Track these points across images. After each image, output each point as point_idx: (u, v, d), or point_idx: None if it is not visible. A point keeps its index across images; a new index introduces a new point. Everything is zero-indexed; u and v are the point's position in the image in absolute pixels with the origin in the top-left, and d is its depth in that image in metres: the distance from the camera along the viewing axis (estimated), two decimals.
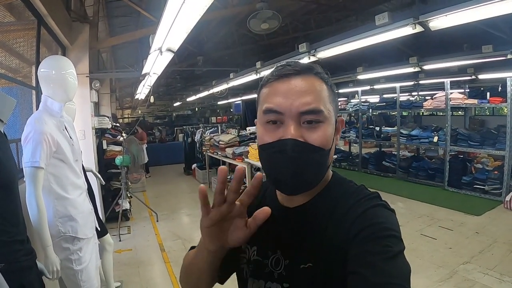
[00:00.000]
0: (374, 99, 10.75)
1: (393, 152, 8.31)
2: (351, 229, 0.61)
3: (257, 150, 0.72)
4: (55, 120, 1.89)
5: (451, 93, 6.54)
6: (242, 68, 6.63)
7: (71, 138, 1.99)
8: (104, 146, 5.32)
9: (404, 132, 7.64)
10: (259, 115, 0.70)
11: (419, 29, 2.85)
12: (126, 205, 5.06)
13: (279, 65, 0.70)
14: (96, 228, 2.23)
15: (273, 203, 0.77)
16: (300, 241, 0.69)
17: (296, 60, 0.70)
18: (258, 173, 0.61)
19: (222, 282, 0.84)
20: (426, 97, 8.05)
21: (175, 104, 17.44)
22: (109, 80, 7.67)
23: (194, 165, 9.19)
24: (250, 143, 5.72)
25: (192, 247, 0.82)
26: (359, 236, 0.60)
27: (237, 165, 6.34)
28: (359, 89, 9.36)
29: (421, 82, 8.93)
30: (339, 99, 10.26)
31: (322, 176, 0.69)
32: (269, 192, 0.81)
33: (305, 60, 4.25)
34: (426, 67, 5.77)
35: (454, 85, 7.57)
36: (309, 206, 0.72)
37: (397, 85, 7.95)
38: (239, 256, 0.81)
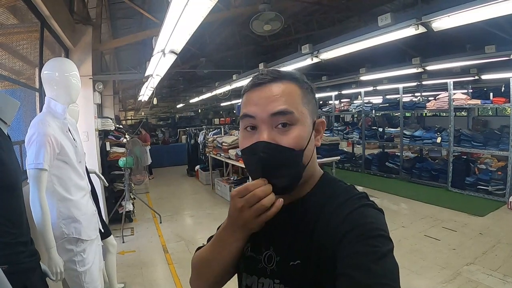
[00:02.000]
0: (377, 100, 10.71)
1: (396, 153, 8.29)
2: (339, 228, 0.62)
3: None
4: (58, 122, 1.90)
5: (454, 93, 6.52)
6: (245, 70, 6.65)
7: (74, 140, 2.00)
8: (108, 148, 5.34)
9: (407, 133, 7.62)
10: (240, 122, 0.74)
11: (422, 29, 2.85)
12: (129, 206, 5.07)
13: (255, 74, 0.74)
14: (100, 230, 2.23)
15: None
16: (290, 239, 0.71)
17: (275, 69, 0.74)
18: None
19: None
20: (429, 98, 8.04)
21: (178, 106, 17.49)
22: (112, 82, 7.71)
23: (197, 167, 9.20)
24: None
25: (199, 248, 0.85)
26: (348, 236, 0.60)
27: (240, 166, 6.36)
28: (362, 90, 9.35)
29: (424, 82, 8.89)
30: (342, 100, 10.27)
31: (297, 175, 0.70)
32: None
33: (307, 61, 4.27)
34: (429, 68, 5.75)
35: (457, 85, 7.52)
36: (299, 204, 0.74)
37: (400, 86, 7.92)
38: None
